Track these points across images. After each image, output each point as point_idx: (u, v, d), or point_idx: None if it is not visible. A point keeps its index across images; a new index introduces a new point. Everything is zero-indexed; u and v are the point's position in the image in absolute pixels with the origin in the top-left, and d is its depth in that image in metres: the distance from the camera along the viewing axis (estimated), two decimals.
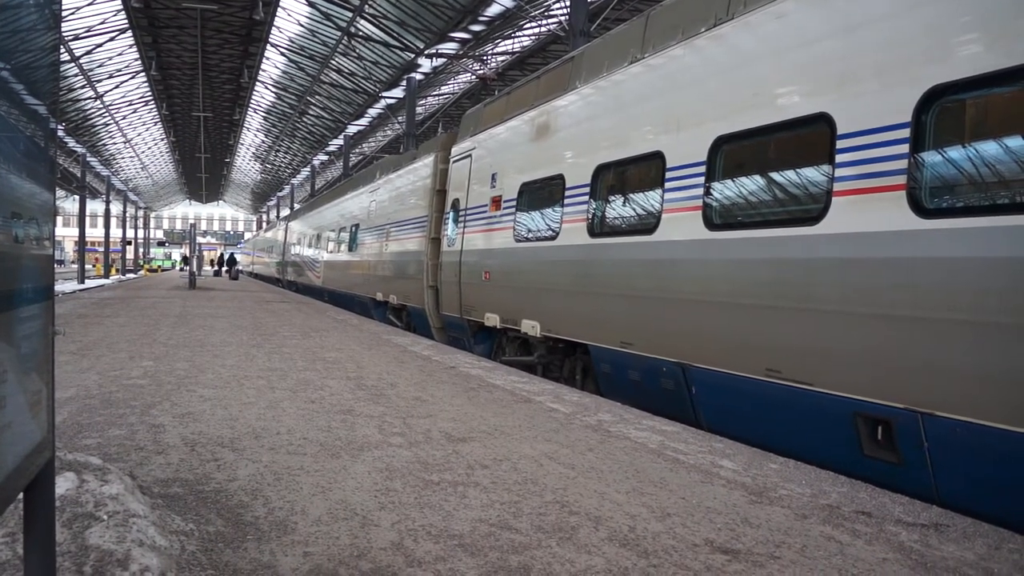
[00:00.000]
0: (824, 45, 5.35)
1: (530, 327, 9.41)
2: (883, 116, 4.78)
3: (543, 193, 9.48)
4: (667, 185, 6.86)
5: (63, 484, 3.24)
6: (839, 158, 5.08)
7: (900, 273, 4.61)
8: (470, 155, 12.21)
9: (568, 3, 15.24)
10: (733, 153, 6.23)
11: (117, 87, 42.46)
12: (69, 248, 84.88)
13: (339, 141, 49.18)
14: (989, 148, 4.28)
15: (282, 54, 37.72)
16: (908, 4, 4.76)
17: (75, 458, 3.76)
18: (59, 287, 27.33)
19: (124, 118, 50.64)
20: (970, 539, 3.65)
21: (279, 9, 31.51)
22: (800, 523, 3.80)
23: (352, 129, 46.43)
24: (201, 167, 68.52)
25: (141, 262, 75.76)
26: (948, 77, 4.40)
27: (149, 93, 46.03)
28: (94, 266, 56.80)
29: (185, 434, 5.29)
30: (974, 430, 4.15)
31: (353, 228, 21.38)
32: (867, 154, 4.87)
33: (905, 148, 4.60)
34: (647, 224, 7.15)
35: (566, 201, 8.72)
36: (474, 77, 28.81)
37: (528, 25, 26.99)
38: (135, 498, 3.37)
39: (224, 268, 51.53)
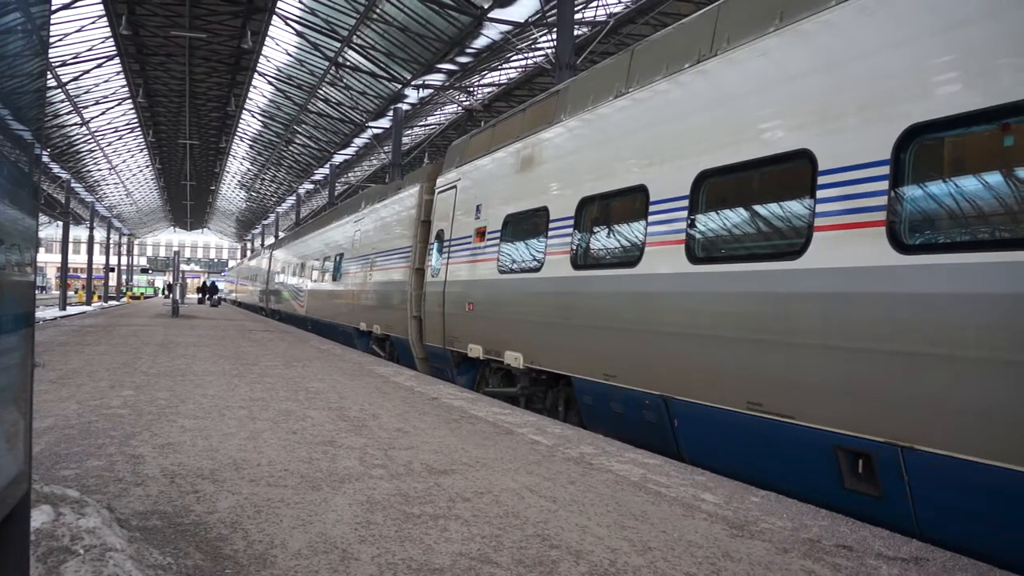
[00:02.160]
0: (806, 82, 5.45)
1: (513, 358, 9.40)
2: (863, 153, 4.86)
3: (527, 225, 9.52)
4: (650, 218, 6.92)
5: (39, 517, 3.19)
6: (820, 193, 5.15)
7: (880, 308, 4.65)
8: (455, 186, 12.27)
9: (554, 37, 15.44)
10: (716, 187, 6.30)
11: (103, 113, 42.40)
12: (51, 274, 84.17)
13: (325, 170, 49.26)
14: (967, 185, 4.36)
15: (269, 83, 37.85)
16: (888, 43, 4.86)
17: (52, 490, 3.70)
18: (40, 314, 27.04)
19: (110, 144, 50.50)
20: (950, 573, 3.65)
21: (267, 39, 31.70)
22: (781, 557, 3.80)
23: (338, 158, 46.56)
24: (186, 194, 68.32)
25: (124, 289, 75.15)
26: (926, 116, 4.49)
27: (135, 120, 45.99)
28: (76, 293, 56.28)
29: (165, 465, 5.23)
30: (954, 464, 4.17)
31: (337, 257, 21.35)
32: (848, 190, 4.94)
33: (885, 185, 4.68)
34: (630, 257, 7.19)
35: (550, 233, 8.76)
36: (460, 108, 29.07)
37: (514, 57, 27.30)
38: (112, 531, 3.32)
39: (206, 296, 51.39)
